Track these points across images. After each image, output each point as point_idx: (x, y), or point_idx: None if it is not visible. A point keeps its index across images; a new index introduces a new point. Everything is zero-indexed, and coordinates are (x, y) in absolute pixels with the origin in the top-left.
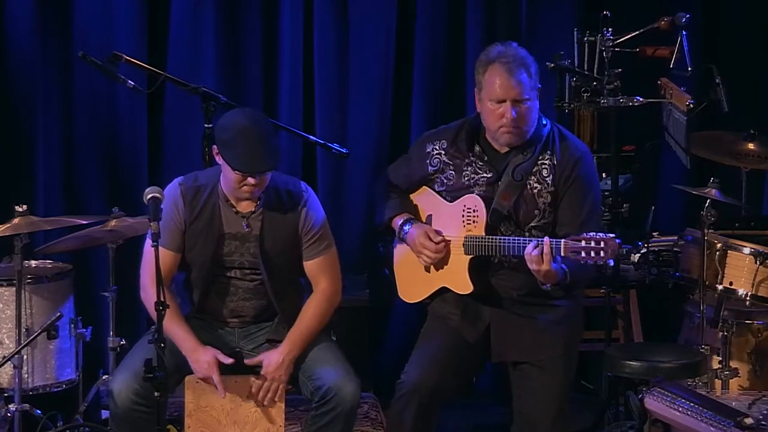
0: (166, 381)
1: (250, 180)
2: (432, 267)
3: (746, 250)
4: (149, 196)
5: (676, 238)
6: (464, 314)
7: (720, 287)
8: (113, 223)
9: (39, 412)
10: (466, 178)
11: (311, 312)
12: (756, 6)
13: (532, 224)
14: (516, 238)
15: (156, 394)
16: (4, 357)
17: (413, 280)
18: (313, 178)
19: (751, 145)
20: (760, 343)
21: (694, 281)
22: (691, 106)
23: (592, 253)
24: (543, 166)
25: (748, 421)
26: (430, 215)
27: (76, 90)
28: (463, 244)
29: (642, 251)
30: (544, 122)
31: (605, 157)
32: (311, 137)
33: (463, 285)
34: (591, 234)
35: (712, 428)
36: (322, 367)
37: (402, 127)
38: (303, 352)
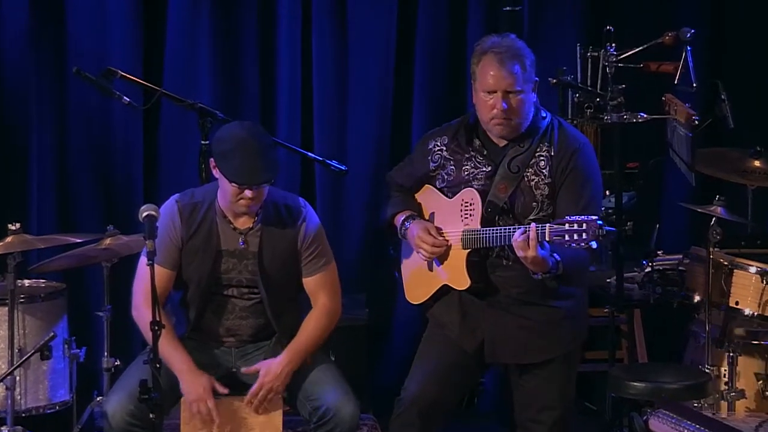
0: (162, 402)
1: (247, 193)
2: (433, 264)
3: (752, 269)
4: (145, 213)
5: (680, 256)
6: (464, 321)
7: (725, 307)
8: (108, 241)
9: None
10: (465, 173)
11: (312, 326)
12: (762, 21)
13: (531, 217)
14: (508, 227)
15: (151, 415)
16: None
17: (418, 281)
18: (312, 194)
19: (757, 163)
20: None
21: (700, 301)
22: (696, 122)
23: (575, 236)
24: (540, 158)
25: None
26: (433, 213)
27: (70, 106)
28: (461, 239)
29: (646, 270)
30: (544, 115)
31: (608, 174)
32: (310, 154)
33: (461, 280)
34: (573, 217)
35: None
36: (320, 388)
37: (403, 140)
38: (301, 373)
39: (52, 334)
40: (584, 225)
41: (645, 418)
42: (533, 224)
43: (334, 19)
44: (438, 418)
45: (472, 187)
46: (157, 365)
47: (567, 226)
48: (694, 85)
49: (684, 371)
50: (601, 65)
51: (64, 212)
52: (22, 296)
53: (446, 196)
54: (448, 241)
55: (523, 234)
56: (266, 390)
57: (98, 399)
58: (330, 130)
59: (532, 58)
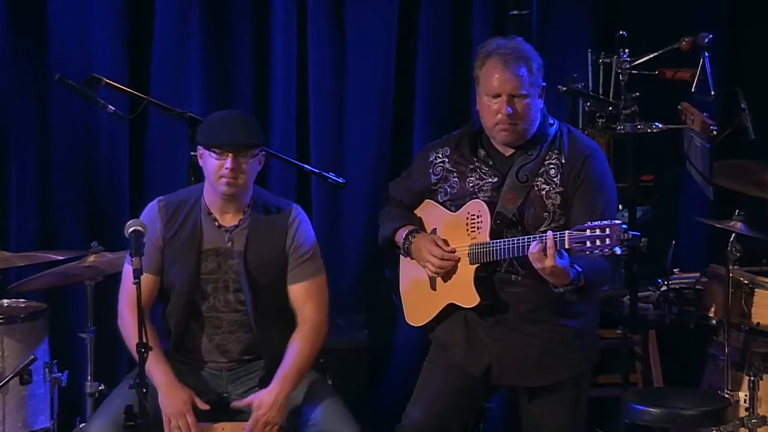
0: (148, 429)
1: (228, 162)
2: (438, 282)
3: None
4: (131, 229)
5: (698, 275)
6: (469, 343)
7: (746, 328)
8: (92, 258)
9: None
10: (470, 185)
11: (299, 346)
12: None
13: (542, 228)
14: (520, 238)
15: None
16: None
17: (419, 302)
18: (308, 209)
19: None
20: None
21: (719, 321)
22: (714, 133)
23: (598, 242)
24: (550, 166)
25: None
26: (435, 228)
27: (52, 115)
28: (468, 254)
29: (662, 289)
30: (551, 122)
31: (622, 188)
32: (306, 166)
33: (469, 297)
34: (595, 223)
35: None
36: (319, 412)
37: (404, 152)
38: (299, 396)
39: (33, 357)
40: (607, 230)
41: None
42: (550, 232)
43: (331, 24)
44: None
45: (478, 199)
46: (144, 390)
47: (588, 232)
48: (713, 93)
49: (702, 396)
50: (613, 72)
51: (45, 228)
52: (0, 317)
53: (449, 209)
54: (455, 256)
55: (539, 244)
56: (263, 424)
57: (81, 426)
58: (327, 141)
59: (539, 62)
